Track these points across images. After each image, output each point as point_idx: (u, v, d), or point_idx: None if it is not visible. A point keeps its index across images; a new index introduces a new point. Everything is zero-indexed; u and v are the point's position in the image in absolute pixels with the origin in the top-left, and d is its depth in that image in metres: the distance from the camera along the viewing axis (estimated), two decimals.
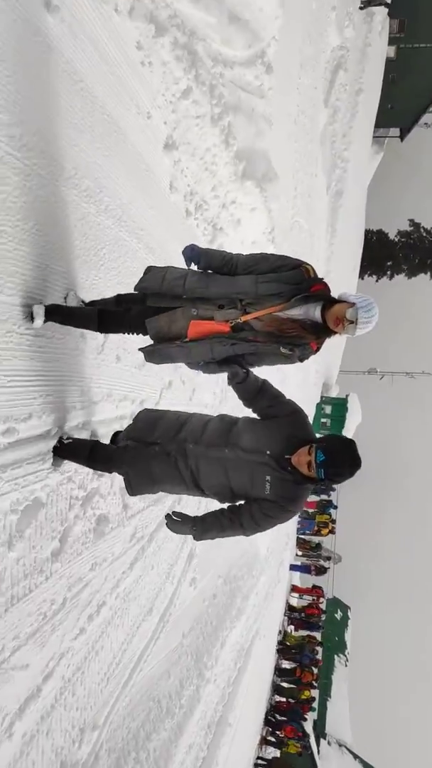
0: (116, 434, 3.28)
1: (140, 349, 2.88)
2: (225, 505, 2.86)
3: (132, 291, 2.88)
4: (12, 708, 2.76)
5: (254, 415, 2.91)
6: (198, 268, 2.75)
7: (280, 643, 20.48)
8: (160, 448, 2.81)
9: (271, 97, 7.38)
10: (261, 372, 2.91)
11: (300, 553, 25.38)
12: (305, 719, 20.47)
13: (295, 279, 2.66)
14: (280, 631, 20.37)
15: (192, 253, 2.71)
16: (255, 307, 2.67)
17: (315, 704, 23.87)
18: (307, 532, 25.59)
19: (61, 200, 2.83)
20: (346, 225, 25.58)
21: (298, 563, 24.79)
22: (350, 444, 2.67)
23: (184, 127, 4.12)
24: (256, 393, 2.83)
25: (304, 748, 20.53)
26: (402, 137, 39.55)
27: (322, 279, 2.72)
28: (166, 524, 2.88)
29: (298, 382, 17.31)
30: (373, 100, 31.00)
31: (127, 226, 3.70)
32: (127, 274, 3.69)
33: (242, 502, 2.78)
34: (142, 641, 4.68)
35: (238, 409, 3.02)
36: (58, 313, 2.82)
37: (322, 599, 25.53)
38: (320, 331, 2.72)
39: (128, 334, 2.98)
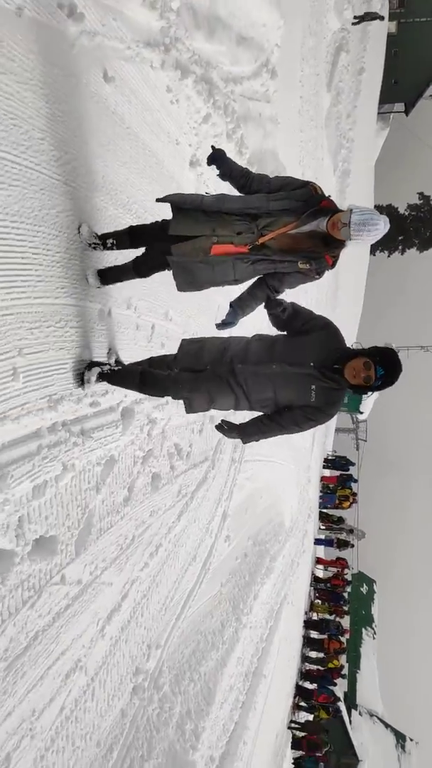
0: (151, 360, 3.39)
1: (168, 259, 2.98)
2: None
3: (143, 223, 3.19)
4: (103, 615, 3.61)
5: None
6: (219, 173, 2.95)
7: (307, 614, 21.24)
8: (211, 372, 3.09)
9: (276, 99, 8.08)
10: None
11: (323, 527, 26.07)
12: (335, 684, 21.23)
13: (304, 196, 2.85)
14: (306, 612, 21.12)
15: (218, 155, 2.92)
16: (269, 228, 2.84)
17: (345, 675, 24.57)
18: (329, 506, 26.22)
19: (116, 219, 3.63)
20: (355, 203, 25.95)
21: (322, 537, 25.58)
22: (396, 356, 2.94)
23: (206, 146, 4.88)
24: (290, 317, 3.08)
25: (335, 712, 21.35)
26: (407, 112, 39.58)
27: (329, 196, 2.92)
28: (218, 429, 3.26)
29: None
30: (376, 77, 31.12)
31: None
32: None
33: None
34: (189, 583, 5.54)
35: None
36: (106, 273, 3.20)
37: (346, 570, 26.22)
38: (328, 242, 2.89)
39: (164, 270, 3.17)
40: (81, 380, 3.14)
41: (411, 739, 39.86)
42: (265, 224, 2.85)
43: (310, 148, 14.47)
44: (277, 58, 8.07)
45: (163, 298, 4.51)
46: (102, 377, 3.25)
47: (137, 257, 3.25)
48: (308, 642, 20.97)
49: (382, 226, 2.78)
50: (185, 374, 3.15)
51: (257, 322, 3.77)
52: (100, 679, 3.61)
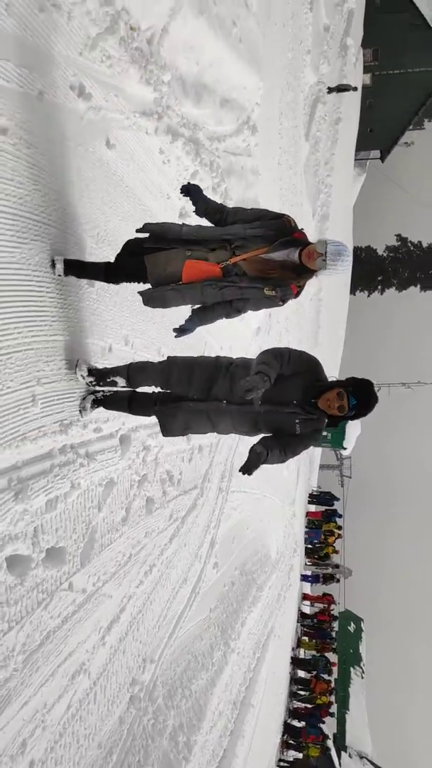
0: (131, 367, 3.45)
1: (139, 293, 3.15)
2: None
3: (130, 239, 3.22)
4: (104, 624, 3.94)
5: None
6: (195, 209, 3.09)
7: (294, 651, 21.23)
8: (195, 405, 3.25)
9: (256, 153, 8.71)
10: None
11: (309, 562, 26.20)
12: (323, 722, 21.10)
13: (278, 226, 2.99)
14: (293, 648, 21.11)
15: (193, 188, 3.07)
16: (243, 249, 2.98)
17: (333, 713, 24.32)
18: (315, 541, 26.40)
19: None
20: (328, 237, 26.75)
21: (308, 573, 25.70)
22: (370, 385, 3.11)
23: None
24: (280, 364, 3.16)
25: (324, 749, 21.18)
26: (383, 158, 41.12)
27: (302, 229, 3.06)
28: (243, 471, 3.13)
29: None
30: (353, 126, 32.46)
31: None
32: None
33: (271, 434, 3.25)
34: (180, 604, 5.85)
35: None
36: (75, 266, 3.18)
37: (333, 606, 26.29)
38: (299, 272, 3.03)
39: (134, 282, 3.28)
40: (79, 410, 3.40)
41: None
42: (238, 245, 3.01)
43: (290, 194, 15.16)
44: (258, 115, 8.72)
45: (155, 336, 4.94)
46: (96, 403, 3.50)
47: (109, 263, 3.31)
48: (295, 681, 20.92)
49: (350, 259, 2.99)
50: (168, 401, 3.34)
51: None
52: (101, 684, 3.92)
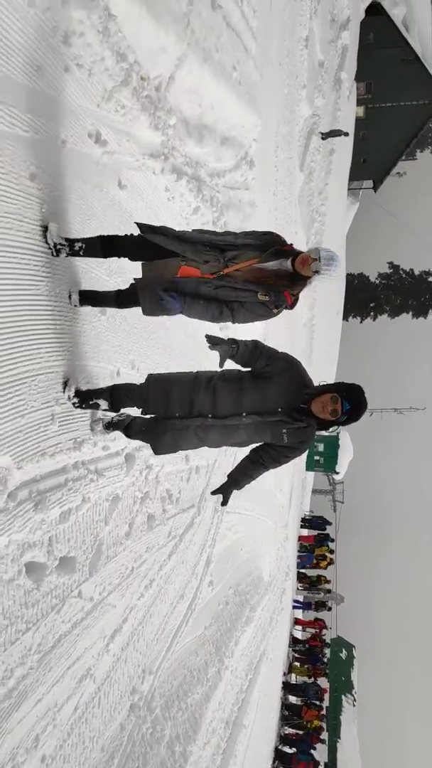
0: (115, 389, 3.46)
1: (136, 280, 3.24)
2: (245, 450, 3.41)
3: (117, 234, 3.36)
4: (108, 633, 4.17)
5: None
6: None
7: (285, 676, 21.20)
8: (180, 423, 3.21)
9: (253, 186, 9.10)
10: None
11: (301, 587, 26.22)
12: (314, 748, 21.00)
13: (267, 239, 3.13)
14: (284, 673, 21.09)
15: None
16: (235, 260, 3.06)
17: (324, 740, 24.13)
18: (307, 565, 26.46)
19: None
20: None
21: (300, 598, 25.73)
22: (361, 390, 3.09)
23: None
24: (251, 355, 3.18)
25: None
26: (375, 188, 42.01)
27: (291, 243, 3.19)
28: (213, 493, 3.48)
29: None
30: (346, 157, 33.21)
31: None
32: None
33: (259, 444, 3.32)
34: (177, 619, 6.06)
35: None
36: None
37: (324, 631, 26.28)
38: (292, 280, 3.13)
39: (126, 258, 3.40)
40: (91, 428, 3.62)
41: None
42: (232, 257, 3.09)
43: (285, 224, 15.59)
44: (255, 150, 9.13)
45: (159, 361, 5.24)
46: (109, 426, 3.63)
47: (120, 290, 3.44)
48: (286, 707, 20.84)
49: (343, 266, 3.36)
50: (151, 422, 3.35)
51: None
52: (104, 690, 4.14)
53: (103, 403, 3.42)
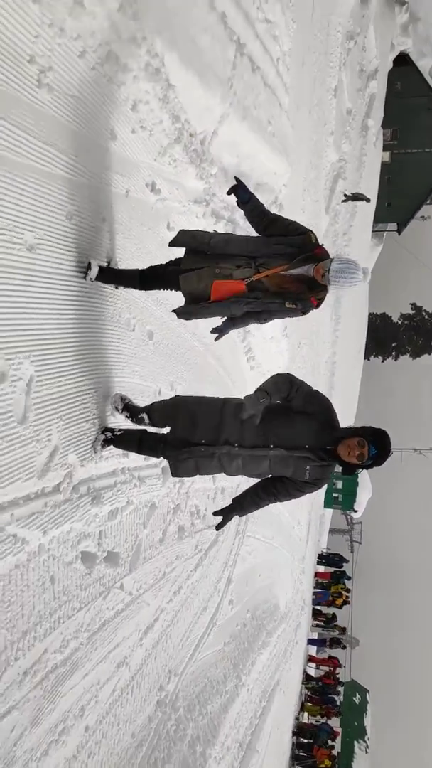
0: (146, 411, 3.56)
1: (173, 311, 3.43)
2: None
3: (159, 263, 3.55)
4: (142, 628, 4.59)
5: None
6: (239, 200, 3.30)
7: (297, 718, 20.99)
8: (206, 450, 3.21)
9: None
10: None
11: (315, 623, 26.12)
12: None
13: (299, 242, 3.17)
14: (296, 717, 20.88)
15: (241, 185, 3.31)
16: (265, 267, 3.17)
17: None
18: (322, 602, 26.39)
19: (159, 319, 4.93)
20: (350, 311, 27.82)
21: (315, 636, 25.63)
22: (387, 436, 3.11)
23: None
24: (288, 392, 3.21)
25: None
26: (399, 231, 42.74)
27: (322, 245, 3.24)
28: (215, 514, 3.46)
29: None
30: (371, 200, 34.08)
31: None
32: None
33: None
34: (200, 630, 6.44)
35: None
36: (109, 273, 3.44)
37: (338, 670, 26.04)
38: (312, 286, 3.20)
39: (165, 289, 3.58)
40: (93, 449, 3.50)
41: None
42: (261, 263, 3.19)
43: None
44: (284, 195, 9.76)
45: (191, 380, 5.73)
46: (107, 442, 3.55)
47: (143, 270, 3.58)
48: (298, 746, 20.60)
49: (360, 276, 3.16)
50: (175, 445, 3.33)
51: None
52: (137, 680, 4.54)
53: (146, 418, 3.55)
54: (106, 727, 3.96)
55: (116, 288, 3.72)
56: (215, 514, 3.48)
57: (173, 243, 3.37)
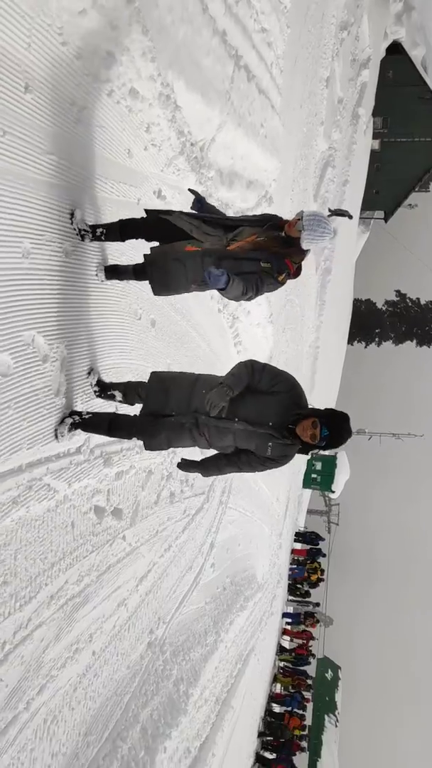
0: (127, 385, 3.78)
1: (145, 256, 3.47)
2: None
3: (133, 217, 3.64)
4: (139, 575, 5.30)
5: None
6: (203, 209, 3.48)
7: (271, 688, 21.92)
8: (176, 419, 3.33)
9: None
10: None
11: (290, 598, 27.07)
12: (295, 755, 21.70)
13: (268, 217, 3.36)
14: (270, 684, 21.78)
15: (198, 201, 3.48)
16: (237, 238, 3.28)
17: (305, 747, 24.75)
18: (298, 578, 27.34)
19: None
20: (334, 297, 28.38)
21: (290, 610, 26.62)
22: (346, 419, 3.16)
23: None
24: (251, 377, 3.30)
25: None
26: (386, 219, 43.34)
27: (288, 220, 3.30)
28: (179, 466, 3.59)
29: None
30: (359, 187, 34.50)
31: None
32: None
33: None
34: (185, 586, 7.17)
35: None
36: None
37: (311, 642, 27.03)
38: (285, 242, 3.26)
39: (143, 239, 3.66)
40: (55, 435, 3.41)
41: None
42: (234, 235, 3.29)
43: None
44: (274, 189, 10.36)
45: (186, 365, 6.39)
46: (75, 426, 3.53)
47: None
48: (270, 715, 21.52)
49: (330, 229, 3.23)
50: (147, 420, 3.44)
51: None
52: (132, 621, 5.26)
53: (119, 395, 3.76)
54: (108, 656, 4.67)
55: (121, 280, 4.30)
56: (180, 464, 3.60)
57: (148, 212, 3.52)
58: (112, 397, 3.77)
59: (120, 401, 3.78)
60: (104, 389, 3.81)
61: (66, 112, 3.12)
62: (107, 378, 4.06)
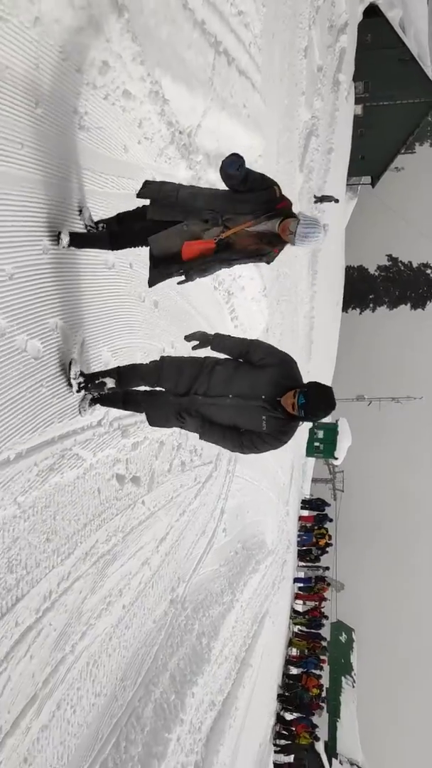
0: (121, 370, 3.71)
1: (150, 284, 3.55)
2: None
3: (129, 209, 3.67)
4: (158, 537, 5.75)
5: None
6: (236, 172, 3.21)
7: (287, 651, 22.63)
8: (174, 400, 3.50)
9: None
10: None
11: (301, 564, 27.71)
12: (314, 714, 22.45)
13: (265, 198, 3.24)
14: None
15: (237, 163, 3.21)
16: (231, 222, 3.25)
17: (324, 705, 25.48)
18: (306, 543, 27.97)
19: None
20: (326, 266, 28.63)
21: (301, 575, 27.27)
22: (326, 390, 3.23)
23: None
24: (246, 348, 3.41)
25: (315, 738, 22.42)
26: (373, 183, 43.37)
27: (286, 198, 3.30)
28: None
29: None
30: (344, 154, 34.48)
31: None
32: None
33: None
34: (200, 549, 7.65)
35: None
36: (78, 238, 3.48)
37: (323, 603, 27.66)
38: (278, 241, 3.31)
39: (135, 247, 3.66)
40: (79, 410, 3.74)
41: None
42: (227, 218, 3.27)
43: None
44: (259, 165, 10.66)
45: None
46: (94, 401, 3.82)
47: (113, 231, 3.68)
48: (288, 677, 22.23)
49: (321, 235, 3.25)
50: (153, 398, 3.66)
51: None
52: (154, 580, 5.73)
53: (110, 382, 3.70)
54: (136, 610, 5.15)
55: (131, 267, 4.74)
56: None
57: (140, 195, 3.43)
58: (102, 386, 3.72)
59: (111, 388, 3.72)
60: (91, 379, 3.74)
61: (70, 120, 3.48)
62: (119, 360, 4.46)
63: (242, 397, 3.33)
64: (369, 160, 41.03)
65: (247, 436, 3.45)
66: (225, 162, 3.22)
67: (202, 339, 3.48)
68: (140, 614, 5.26)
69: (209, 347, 3.51)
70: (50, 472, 3.42)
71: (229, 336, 3.53)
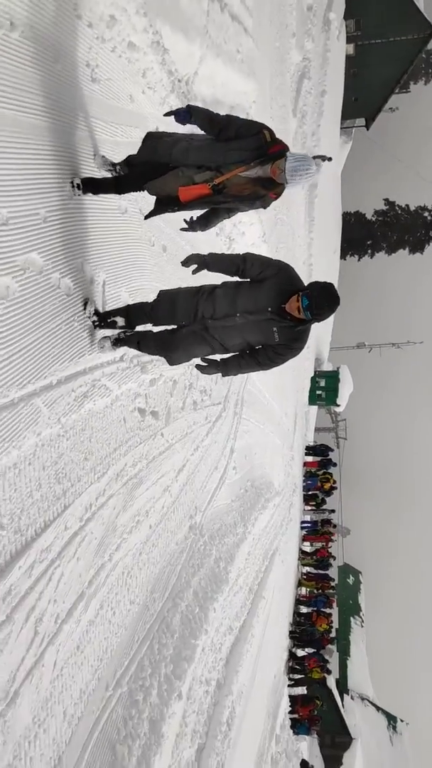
0: (129, 309, 3.90)
1: (145, 217, 3.79)
2: None
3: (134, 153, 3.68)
4: (177, 467, 6.19)
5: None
6: (192, 122, 3.34)
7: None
8: (187, 330, 3.55)
9: None
10: None
11: (307, 507, 28.46)
12: (324, 648, 23.42)
13: (256, 144, 3.23)
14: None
15: (184, 112, 3.36)
16: (225, 169, 3.30)
17: (335, 639, 26.40)
18: (312, 488, 28.68)
19: None
20: (323, 212, 28.53)
21: (307, 518, 28.03)
22: (329, 287, 3.23)
23: None
24: (241, 263, 3.46)
25: (327, 672, 23.45)
26: (368, 126, 42.66)
27: (280, 140, 3.27)
28: (198, 368, 3.70)
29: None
30: (338, 96, 33.85)
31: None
32: None
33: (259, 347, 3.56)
34: (213, 483, 8.13)
35: None
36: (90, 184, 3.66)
37: (331, 543, 28.47)
38: (274, 185, 3.31)
39: (137, 191, 3.78)
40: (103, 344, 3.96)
41: (402, 720, 42.11)
42: (220, 166, 3.32)
43: None
44: (254, 111, 10.76)
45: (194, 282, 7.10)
46: (115, 343, 4.01)
47: (120, 177, 3.85)
48: (298, 614, 23.13)
49: (313, 169, 3.21)
50: (165, 336, 3.71)
51: None
52: (176, 506, 6.20)
53: (120, 321, 3.83)
54: (161, 531, 5.63)
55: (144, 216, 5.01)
56: (198, 366, 3.75)
57: (138, 155, 3.59)
58: (114, 324, 3.84)
59: (122, 327, 3.87)
60: (104, 318, 3.88)
61: (83, 73, 3.75)
62: (134, 299, 4.79)
63: (249, 312, 3.39)
64: (363, 101, 40.26)
65: (262, 353, 3.54)
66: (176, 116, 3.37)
67: (198, 261, 3.54)
68: (164, 536, 5.75)
69: (206, 269, 3.58)
70: (84, 399, 3.81)
71: (222, 253, 3.63)
